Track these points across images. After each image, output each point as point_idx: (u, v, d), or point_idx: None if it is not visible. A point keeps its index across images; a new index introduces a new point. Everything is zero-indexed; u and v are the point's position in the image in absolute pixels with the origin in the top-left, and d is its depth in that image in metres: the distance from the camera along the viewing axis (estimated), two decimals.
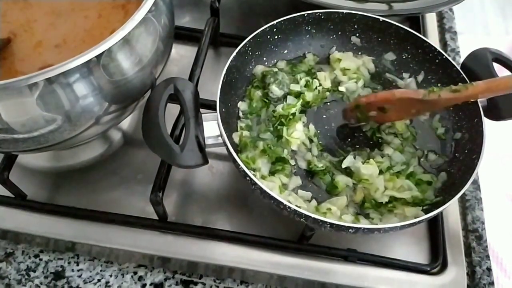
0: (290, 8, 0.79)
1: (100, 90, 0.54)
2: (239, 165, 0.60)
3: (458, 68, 0.72)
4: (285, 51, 0.78)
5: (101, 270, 0.69)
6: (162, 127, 0.57)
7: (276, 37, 0.76)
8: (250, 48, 0.73)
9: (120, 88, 0.57)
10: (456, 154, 0.70)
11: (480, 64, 0.72)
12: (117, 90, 0.57)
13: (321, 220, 0.56)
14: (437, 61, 0.75)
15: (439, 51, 0.74)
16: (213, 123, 0.62)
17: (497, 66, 0.72)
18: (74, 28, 0.66)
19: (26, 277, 0.67)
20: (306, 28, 0.78)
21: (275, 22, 0.74)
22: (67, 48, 0.64)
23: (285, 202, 0.57)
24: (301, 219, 0.58)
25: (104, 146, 0.77)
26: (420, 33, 0.95)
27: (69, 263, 0.69)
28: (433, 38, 0.98)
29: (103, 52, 0.51)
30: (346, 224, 0.57)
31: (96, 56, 0.50)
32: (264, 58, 0.77)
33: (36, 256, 0.69)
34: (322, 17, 0.77)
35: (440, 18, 1.02)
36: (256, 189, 0.60)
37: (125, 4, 0.68)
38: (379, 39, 0.79)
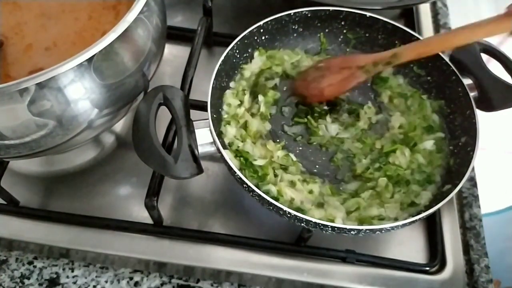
0: (285, 5, 0.78)
1: (92, 94, 0.53)
2: (235, 172, 0.59)
3: (447, 60, 0.72)
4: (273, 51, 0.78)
5: (96, 276, 0.68)
6: (153, 138, 0.56)
7: (263, 37, 0.75)
8: (238, 51, 0.72)
9: (113, 91, 0.56)
10: (451, 147, 0.70)
11: (469, 55, 0.72)
12: (109, 93, 0.56)
13: (322, 224, 0.56)
14: None
15: None
16: (205, 130, 0.61)
17: (485, 57, 0.72)
18: (64, 30, 0.65)
19: (20, 284, 0.66)
20: (293, 27, 0.77)
21: (261, 22, 0.73)
22: (57, 51, 0.63)
23: (285, 208, 0.56)
24: (302, 224, 0.58)
25: (97, 150, 0.76)
26: (414, 29, 0.95)
27: (63, 269, 0.68)
28: (427, 34, 0.97)
29: (94, 55, 0.50)
30: (348, 227, 0.57)
31: (87, 59, 0.49)
32: (252, 60, 0.76)
33: (30, 263, 0.68)
34: (309, 15, 0.76)
35: (435, 14, 1.02)
36: (254, 196, 0.59)
37: (116, 5, 0.67)
38: (367, 35, 0.78)
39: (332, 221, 0.61)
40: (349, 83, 0.72)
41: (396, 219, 0.63)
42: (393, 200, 0.65)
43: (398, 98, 0.75)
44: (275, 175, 0.65)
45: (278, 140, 0.71)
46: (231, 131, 0.67)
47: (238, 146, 0.66)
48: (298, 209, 0.62)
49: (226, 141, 0.66)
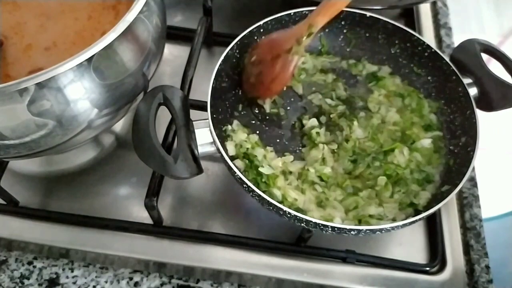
0: (284, 4, 0.78)
1: (91, 94, 0.53)
2: (235, 172, 0.59)
3: (448, 60, 0.72)
4: None
5: (96, 276, 0.68)
6: (153, 138, 0.56)
7: (263, 37, 0.75)
8: (237, 51, 0.72)
9: (112, 91, 0.56)
10: (451, 147, 0.70)
11: (469, 55, 0.72)
12: (109, 93, 0.56)
13: (322, 224, 0.56)
14: (426, 54, 0.75)
15: (427, 45, 0.74)
16: (205, 130, 0.61)
17: (485, 57, 0.72)
18: (64, 30, 0.65)
19: (20, 285, 0.66)
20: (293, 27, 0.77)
21: (261, 22, 0.73)
22: (57, 51, 0.63)
23: (285, 209, 0.56)
24: (302, 224, 0.57)
25: (97, 150, 0.76)
26: (414, 29, 0.95)
27: (63, 269, 0.68)
28: (428, 34, 0.97)
29: (94, 55, 0.49)
30: (348, 227, 0.57)
31: (87, 59, 0.49)
32: None
33: (29, 263, 0.68)
34: (309, 15, 0.76)
35: (435, 13, 1.02)
36: (254, 196, 0.59)
37: (115, 4, 0.67)
38: (367, 35, 0.78)
39: (331, 220, 0.62)
40: (287, 70, 0.69)
41: (394, 219, 0.63)
42: (392, 200, 0.65)
43: (394, 97, 0.75)
44: (286, 179, 0.66)
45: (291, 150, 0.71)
46: (241, 136, 0.67)
47: (247, 149, 0.66)
48: (299, 210, 0.62)
49: (233, 144, 0.66)
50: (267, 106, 0.74)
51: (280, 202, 0.58)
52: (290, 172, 0.67)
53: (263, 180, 0.64)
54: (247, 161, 0.65)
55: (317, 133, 0.71)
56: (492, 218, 1.27)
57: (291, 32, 0.68)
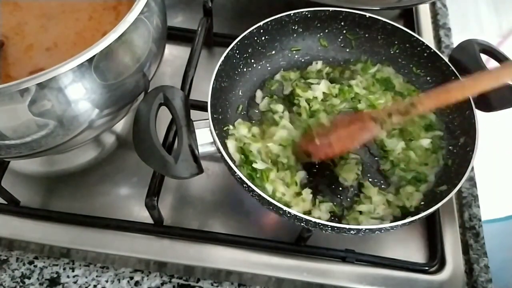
0: (284, 5, 0.78)
1: (92, 94, 0.54)
2: (235, 172, 0.59)
3: (447, 60, 0.72)
4: (273, 52, 0.78)
5: (97, 276, 0.68)
6: (154, 138, 0.57)
7: (263, 38, 0.75)
8: (238, 51, 0.72)
9: (113, 91, 0.57)
10: (450, 147, 0.70)
11: (468, 55, 0.72)
12: (110, 93, 0.56)
13: (322, 224, 0.56)
14: (425, 54, 0.75)
15: (427, 45, 0.74)
16: (205, 130, 0.61)
17: (484, 57, 0.72)
18: (65, 31, 0.65)
19: (21, 284, 0.67)
20: (293, 27, 0.77)
21: (261, 23, 0.73)
22: (58, 51, 0.63)
23: (285, 208, 0.57)
24: (302, 224, 0.58)
25: (97, 150, 0.76)
26: (414, 30, 0.95)
27: (64, 269, 0.68)
28: (427, 35, 0.97)
29: (95, 55, 0.50)
30: (348, 226, 0.57)
31: (87, 60, 0.49)
32: (252, 60, 0.76)
33: (30, 262, 0.68)
34: (309, 15, 0.76)
35: (434, 14, 1.02)
36: (254, 196, 0.59)
37: (116, 5, 0.67)
38: (367, 35, 0.79)
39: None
40: (360, 135, 0.65)
41: (382, 218, 0.64)
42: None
43: (396, 96, 0.76)
44: (277, 171, 0.66)
45: None
46: (242, 132, 0.68)
47: (244, 143, 0.67)
48: (286, 204, 0.63)
49: (233, 138, 0.67)
50: (262, 105, 0.74)
51: (271, 197, 0.59)
52: (276, 163, 0.68)
53: (258, 175, 0.64)
54: (242, 156, 0.65)
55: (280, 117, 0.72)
56: (492, 220, 1.27)
57: (386, 107, 0.66)
